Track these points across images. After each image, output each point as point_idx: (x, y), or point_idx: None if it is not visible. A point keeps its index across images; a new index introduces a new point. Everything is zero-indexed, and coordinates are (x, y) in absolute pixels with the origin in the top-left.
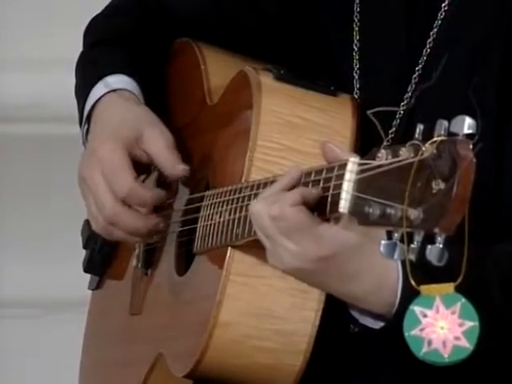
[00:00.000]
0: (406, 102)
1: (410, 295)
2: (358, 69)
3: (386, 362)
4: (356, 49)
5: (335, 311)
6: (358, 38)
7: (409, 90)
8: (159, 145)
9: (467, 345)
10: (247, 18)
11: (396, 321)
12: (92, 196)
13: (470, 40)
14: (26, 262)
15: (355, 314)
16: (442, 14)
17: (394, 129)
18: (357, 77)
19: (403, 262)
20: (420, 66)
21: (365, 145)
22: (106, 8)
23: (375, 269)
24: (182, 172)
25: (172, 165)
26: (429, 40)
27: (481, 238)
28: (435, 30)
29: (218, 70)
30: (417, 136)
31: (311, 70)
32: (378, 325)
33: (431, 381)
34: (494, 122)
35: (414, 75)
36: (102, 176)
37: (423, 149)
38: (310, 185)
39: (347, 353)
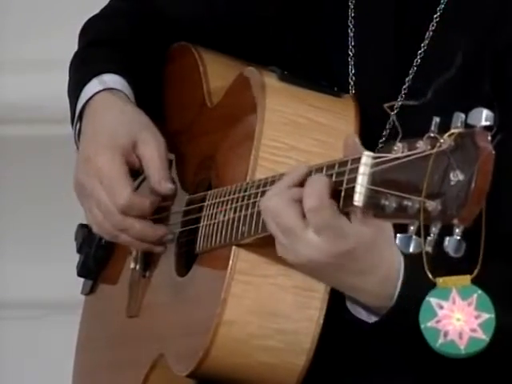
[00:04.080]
0: (399, 103)
1: (411, 287)
2: (353, 74)
3: (388, 362)
4: (351, 54)
5: (338, 310)
6: (352, 43)
7: (401, 95)
8: (152, 152)
9: (483, 336)
10: (243, 23)
11: (394, 311)
12: (95, 202)
13: (464, 42)
14: (25, 263)
15: (349, 305)
16: (437, 15)
17: (387, 131)
18: (352, 82)
19: (405, 255)
20: (413, 72)
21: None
22: (103, 9)
23: (384, 262)
24: (168, 191)
25: (158, 180)
26: (422, 42)
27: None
28: (429, 32)
29: (217, 72)
30: (433, 129)
31: (307, 75)
32: (371, 319)
33: (433, 379)
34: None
35: (408, 78)
36: (101, 185)
37: (441, 141)
38: None
39: (350, 352)
